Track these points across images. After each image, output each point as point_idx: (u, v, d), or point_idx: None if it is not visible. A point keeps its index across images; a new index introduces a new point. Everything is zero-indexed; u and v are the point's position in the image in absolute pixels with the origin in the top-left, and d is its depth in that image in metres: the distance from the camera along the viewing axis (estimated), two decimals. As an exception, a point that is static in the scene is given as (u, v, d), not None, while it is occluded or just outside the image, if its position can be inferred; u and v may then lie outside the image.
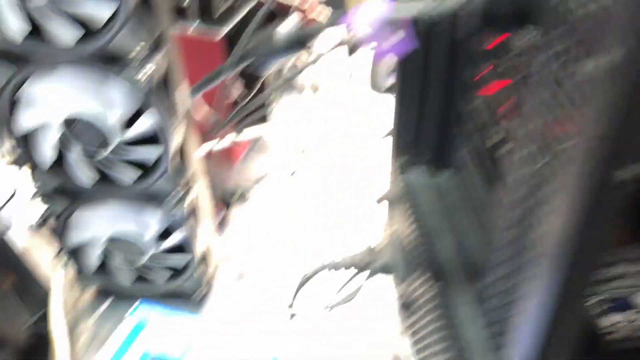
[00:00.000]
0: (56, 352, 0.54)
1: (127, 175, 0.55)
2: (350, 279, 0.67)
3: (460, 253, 0.42)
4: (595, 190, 0.23)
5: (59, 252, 0.63)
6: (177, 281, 0.64)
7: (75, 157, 0.55)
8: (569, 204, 0.25)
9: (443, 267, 0.42)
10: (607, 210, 0.24)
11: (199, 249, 0.62)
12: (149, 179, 0.56)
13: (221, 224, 0.78)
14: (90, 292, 0.67)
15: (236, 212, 0.81)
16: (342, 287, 0.62)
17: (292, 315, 0.53)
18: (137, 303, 0.54)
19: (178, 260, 0.64)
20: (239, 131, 0.77)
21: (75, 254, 0.63)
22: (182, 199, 0.57)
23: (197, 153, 0.62)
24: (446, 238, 0.43)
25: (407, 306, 0.49)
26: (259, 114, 0.78)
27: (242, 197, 0.82)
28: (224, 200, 0.79)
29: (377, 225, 0.61)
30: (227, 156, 0.81)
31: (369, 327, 0.60)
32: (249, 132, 0.81)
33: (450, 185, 0.46)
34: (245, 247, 0.77)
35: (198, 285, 0.65)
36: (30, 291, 0.60)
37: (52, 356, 0.52)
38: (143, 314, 0.53)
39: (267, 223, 0.80)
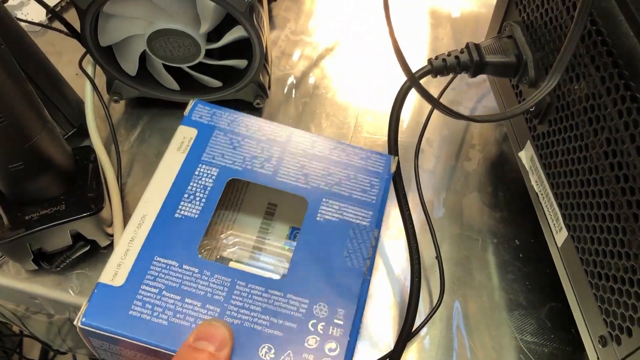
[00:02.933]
0: (103, 168, 0.49)
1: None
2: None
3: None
4: None
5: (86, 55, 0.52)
6: (233, 88, 0.54)
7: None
8: None
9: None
10: None
11: (260, 48, 0.50)
12: None
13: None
14: (127, 103, 0.59)
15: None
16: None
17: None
18: (192, 103, 0.43)
19: (235, 62, 0.53)
20: None
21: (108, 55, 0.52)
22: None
23: None
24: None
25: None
26: None
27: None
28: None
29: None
30: None
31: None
32: None
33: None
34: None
35: (258, 92, 0.55)
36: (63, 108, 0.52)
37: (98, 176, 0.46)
38: (201, 115, 0.43)
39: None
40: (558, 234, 0.41)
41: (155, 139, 0.57)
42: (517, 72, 0.43)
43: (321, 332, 0.34)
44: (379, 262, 0.49)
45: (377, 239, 0.38)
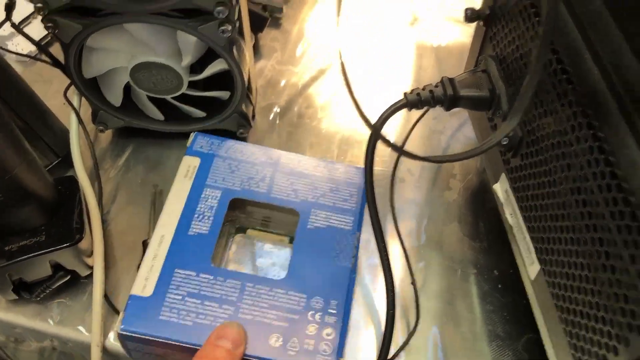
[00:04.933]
0: (86, 200, 0.49)
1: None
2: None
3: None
4: None
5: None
6: (216, 118, 0.55)
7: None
8: None
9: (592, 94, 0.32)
10: None
11: (241, 80, 0.52)
12: None
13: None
14: (113, 133, 0.60)
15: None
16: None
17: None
18: (192, 136, 0.50)
19: (218, 93, 0.54)
20: None
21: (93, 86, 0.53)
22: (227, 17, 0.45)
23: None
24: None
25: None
26: None
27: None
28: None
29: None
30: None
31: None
32: None
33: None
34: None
35: (241, 122, 0.56)
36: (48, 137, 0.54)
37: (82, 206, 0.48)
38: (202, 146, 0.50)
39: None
40: (531, 267, 0.41)
41: (140, 168, 0.58)
42: (491, 105, 0.44)
43: (319, 320, 0.41)
44: (358, 292, 0.50)
45: (358, 239, 0.46)
